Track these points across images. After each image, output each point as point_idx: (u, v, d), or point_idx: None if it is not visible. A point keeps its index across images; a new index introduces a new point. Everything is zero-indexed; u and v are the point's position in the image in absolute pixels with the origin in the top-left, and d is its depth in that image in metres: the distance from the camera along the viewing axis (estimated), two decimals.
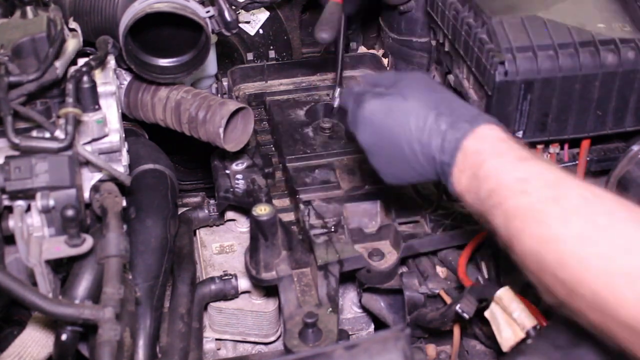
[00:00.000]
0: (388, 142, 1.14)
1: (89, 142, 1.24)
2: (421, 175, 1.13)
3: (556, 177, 0.96)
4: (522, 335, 1.12)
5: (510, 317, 1.15)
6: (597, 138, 1.44)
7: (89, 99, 1.22)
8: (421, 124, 1.09)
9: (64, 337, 1.11)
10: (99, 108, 1.24)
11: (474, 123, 1.05)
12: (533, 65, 1.34)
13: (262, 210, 1.32)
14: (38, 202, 1.12)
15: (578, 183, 0.95)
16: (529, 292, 1.33)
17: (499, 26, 1.37)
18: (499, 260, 1.40)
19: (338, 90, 1.66)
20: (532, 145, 1.42)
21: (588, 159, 1.45)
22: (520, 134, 1.40)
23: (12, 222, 1.12)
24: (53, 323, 1.14)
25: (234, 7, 1.53)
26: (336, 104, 1.64)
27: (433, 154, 1.08)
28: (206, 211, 1.67)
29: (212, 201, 1.70)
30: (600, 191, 0.93)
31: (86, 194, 1.22)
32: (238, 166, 1.60)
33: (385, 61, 1.93)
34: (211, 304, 1.54)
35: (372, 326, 1.54)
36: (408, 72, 1.51)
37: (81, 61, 1.27)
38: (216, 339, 1.58)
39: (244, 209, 1.62)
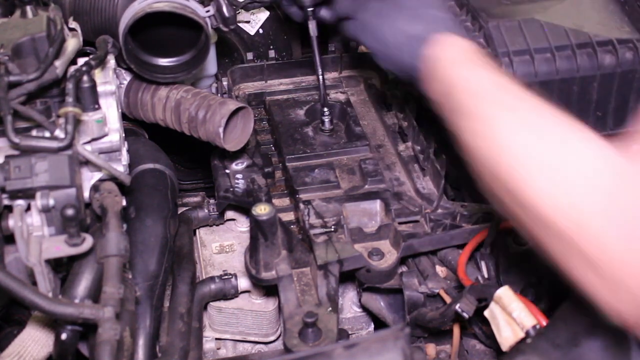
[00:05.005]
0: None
1: (89, 142, 1.24)
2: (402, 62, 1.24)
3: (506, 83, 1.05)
4: (521, 334, 1.12)
5: (509, 317, 1.15)
6: None
7: (89, 99, 1.22)
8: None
9: (63, 336, 1.11)
10: (99, 107, 1.24)
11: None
12: (530, 69, 1.33)
13: (262, 210, 1.31)
14: (38, 202, 1.12)
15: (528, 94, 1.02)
16: (529, 292, 1.34)
17: (496, 30, 1.36)
18: (499, 260, 1.40)
19: (326, 109, 1.63)
20: None
21: None
22: None
23: (12, 222, 1.12)
24: (53, 322, 1.14)
25: (234, 7, 1.53)
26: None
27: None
28: (206, 211, 1.67)
29: (211, 201, 1.70)
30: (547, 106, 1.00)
31: (86, 194, 1.22)
32: (238, 166, 1.60)
33: None
34: (211, 303, 1.54)
35: (372, 326, 1.54)
36: None
37: (81, 61, 1.27)
38: (216, 339, 1.58)
39: (244, 209, 1.61)
